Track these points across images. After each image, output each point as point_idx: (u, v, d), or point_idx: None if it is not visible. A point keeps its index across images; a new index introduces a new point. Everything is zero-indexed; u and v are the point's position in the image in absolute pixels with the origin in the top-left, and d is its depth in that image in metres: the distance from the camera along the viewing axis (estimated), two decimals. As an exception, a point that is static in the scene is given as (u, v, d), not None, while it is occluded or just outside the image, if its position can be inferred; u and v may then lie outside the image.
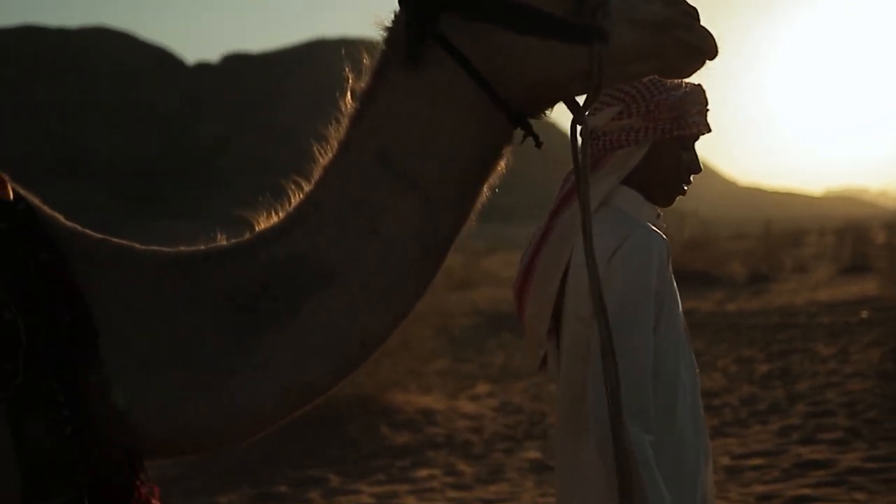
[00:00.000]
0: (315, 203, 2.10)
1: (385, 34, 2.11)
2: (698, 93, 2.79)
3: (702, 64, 2.10)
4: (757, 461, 7.67)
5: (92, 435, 1.93)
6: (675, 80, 2.69)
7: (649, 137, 2.74)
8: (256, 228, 2.15)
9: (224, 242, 2.15)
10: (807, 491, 6.84)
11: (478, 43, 2.03)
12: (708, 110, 2.83)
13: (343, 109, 2.14)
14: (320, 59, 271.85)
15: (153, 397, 2.01)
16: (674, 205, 2.89)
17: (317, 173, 2.14)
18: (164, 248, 2.16)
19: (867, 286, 19.52)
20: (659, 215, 2.85)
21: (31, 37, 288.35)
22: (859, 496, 6.68)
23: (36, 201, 2.09)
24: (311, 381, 2.07)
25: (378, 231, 2.06)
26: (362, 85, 2.12)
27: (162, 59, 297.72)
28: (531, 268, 2.83)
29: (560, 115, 2.21)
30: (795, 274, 26.16)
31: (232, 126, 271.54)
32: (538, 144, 2.16)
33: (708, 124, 2.83)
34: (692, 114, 2.76)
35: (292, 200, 2.15)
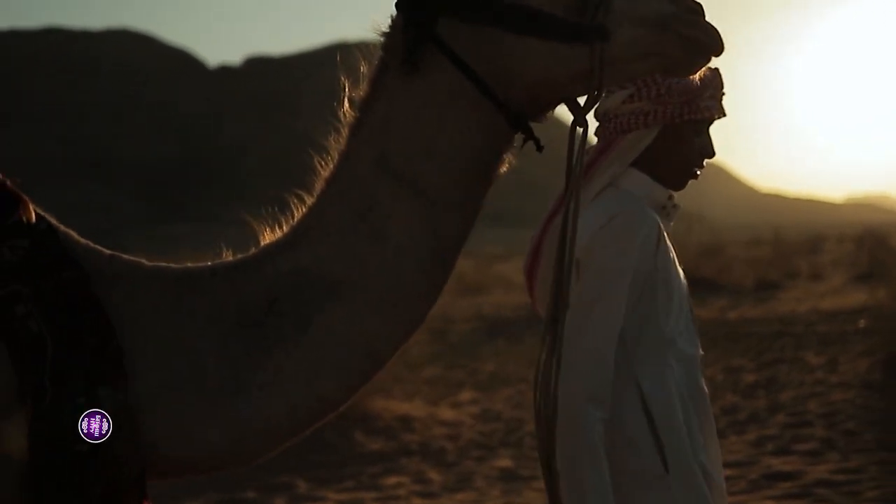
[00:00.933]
0: (318, 215, 2.09)
1: (382, 39, 2.10)
2: (712, 76, 2.76)
3: (707, 60, 2.08)
4: (726, 472, 7.61)
5: (106, 455, 1.90)
6: None
7: (659, 121, 2.73)
8: (261, 242, 2.15)
9: (230, 258, 2.15)
10: (769, 503, 6.80)
11: (476, 45, 2.01)
12: (723, 94, 2.80)
13: (342, 119, 2.13)
14: (341, 62, 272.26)
15: (163, 418, 1.99)
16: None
17: (318, 185, 2.13)
18: (172, 265, 2.15)
19: (877, 295, 19.39)
20: (671, 197, 2.84)
21: (54, 39, 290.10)
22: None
23: (52, 220, 2.09)
24: (322, 396, 2.05)
25: (384, 239, 2.04)
26: (360, 93, 2.11)
27: (184, 62, 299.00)
28: (539, 248, 2.83)
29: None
30: (807, 281, 25.97)
31: (253, 129, 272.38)
32: (539, 148, 2.14)
33: (722, 109, 2.80)
34: (704, 97, 2.74)
35: (296, 214, 2.14)
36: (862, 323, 15.34)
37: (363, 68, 2.13)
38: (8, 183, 2.05)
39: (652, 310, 2.69)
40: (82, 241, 2.11)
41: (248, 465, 2.13)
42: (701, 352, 2.84)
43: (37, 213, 2.05)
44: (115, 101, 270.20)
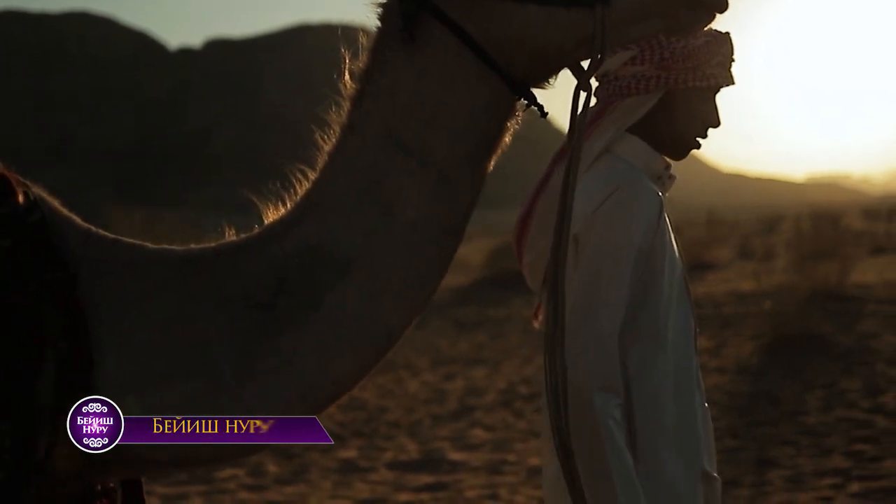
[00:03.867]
0: (323, 190, 2.02)
1: (380, 10, 2.05)
2: (721, 42, 2.59)
3: (710, 18, 2.02)
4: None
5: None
6: None
7: (661, 87, 2.57)
8: (264, 221, 2.07)
9: (234, 237, 2.07)
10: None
11: (474, 13, 1.97)
12: (733, 61, 2.62)
13: (343, 91, 2.07)
14: (303, 44, 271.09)
15: (171, 408, 1.91)
16: None
17: (321, 160, 2.06)
18: (175, 247, 2.08)
19: (793, 277, 19.35)
20: (668, 167, 2.66)
21: (12, 22, 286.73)
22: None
23: (55, 203, 2.01)
24: (336, 378, 1.98)
25: (393, 213, 1.98)
26: (360, 65, 2.06)
27: (144, 45, 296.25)
28: (530, 213, 2.69)
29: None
30: (745, 262, 25.98)
31: (216, 112, 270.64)
32: (543, 114, 2.11)
33: (731, 76, 2.63)
34: (711, 64, 2.57)
35: (298, 190, 2.06)
36: (768, 304, 15.28)
37: (362, 39, 2.08)
38: (0, 169, 1.97)
39: (651, 290, 2.54)
40: (83, 226, 2.03)
41: (258, 450, 2.04)
42: (697, 329, 2.70)
43: (31, 202, 1.96)
44: (76, 85, 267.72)
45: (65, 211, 2.03)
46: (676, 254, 2.64)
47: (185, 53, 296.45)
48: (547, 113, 2.11)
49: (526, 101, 2.06)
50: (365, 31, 2.09)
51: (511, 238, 2.78)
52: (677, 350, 2.59)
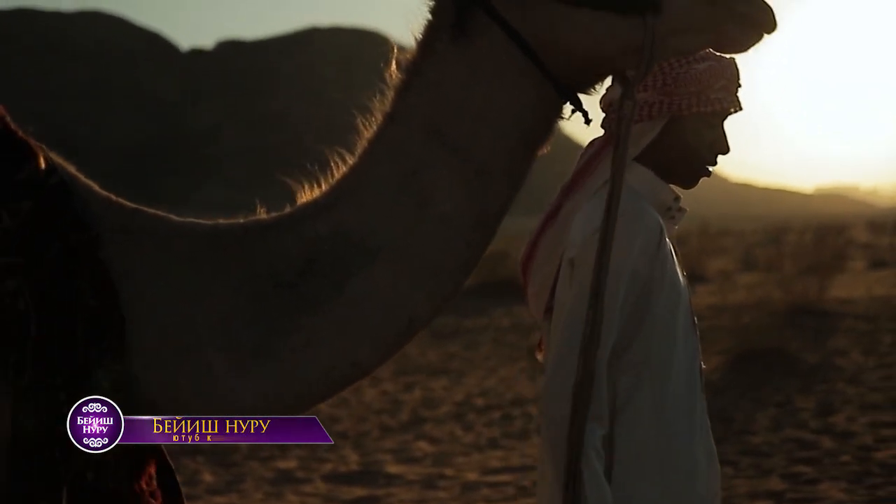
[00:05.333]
0: (360, 176, 2.03)
1: (431, 4, 2.05)
2: (726, 66, 2.53)
3: (759, 38, 2.00)
4: (505, 478, 7.40)
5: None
6: (701, 52, 2.47)
7: (665, 113, 2.52)
8: (298, 201, 2.07)
9: (264, 216, 2.07)
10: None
11: (527, 13, 1.97)
12: (740, 86, 2.57)
13: (388, 81, 2.08)
14: (312, 47, 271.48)
15: (190, 382, 1.93)
16: None
17: (361, 146, 2.07)
18: (202, 220, 2.07)
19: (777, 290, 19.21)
20: (677, 198, 2.60)
21: (26, 20, 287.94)
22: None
23: (71, 170, 1.99)
24: (355, 361, 2.00)
25: (427, 205, 2.00)
26: (408, 56, 2.06)
27: (156, 45, 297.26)
28: (536, 244, 2.65)
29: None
30: (742, 273, 25.83)
31: (224, 112, 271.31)
32: (587, 121, 2.12)
33: (738, 101, 2.57)
34: (715, 89, 2.51)
35: (335, 173, 2.05)
36: (747, 318, 15.14)
37: (412, 31, 2.08)
38: (20, 133, 1.96)
39: (645, 320, 2.47)
40: (103, 194, 2.03)
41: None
42: (703, 365, 2.62)
43: (51, 166, 1.95)
44: (87, 84, 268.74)
45: (83, 177, 2.02)
46: (683, 286, 2.56)
47: (197, 54, 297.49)
48: (591, 120, 2.12)
49: (571, 106, 2.06)
50: (415, 22, 2.08)
51: (518, 266, 2.74)
52: (678, 388, 2.50)
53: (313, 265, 1.98)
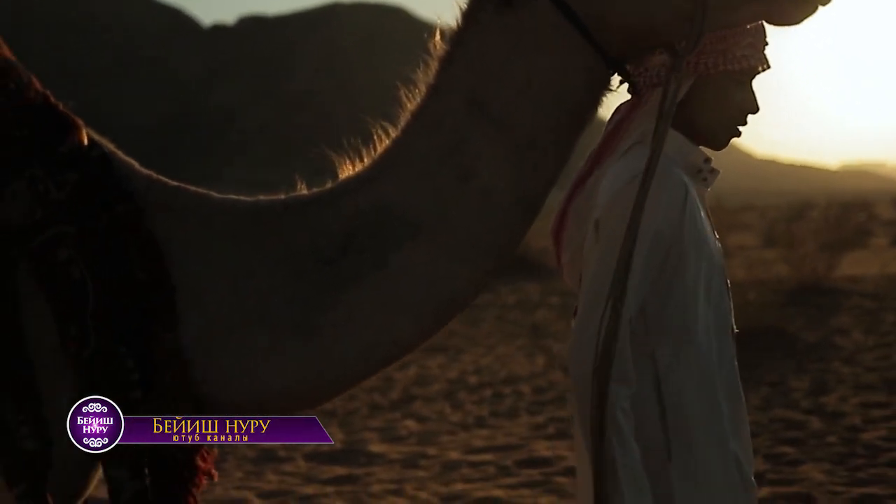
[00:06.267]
0: (403, 149, 2.00)
1: None
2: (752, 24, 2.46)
3: (813, 9, 1.94)
4: (487, 457, 7.35)
5: (159, 403, 1.84)
6: None
7: (691, 73, 2.43)
8: (339, 176, 2.04)
9: (304, 192, 2.05)
10: (498, 493, 6.52)
11: None
12: (766, 44, 2.50)
13: (432, 52, 2.04)
14: (334, 23, 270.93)
15: (232, 359, 1.91)
16: None
17: (404, 119, 2.03)
18: (242, 197, 2.05)
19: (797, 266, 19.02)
20: (707, 159, 2.55)
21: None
22: (546, 500, 6.36)
23: (110, 146, 1.98)
24: (396, 339, 1.98)
25: (470, 179, 1.96)
26: (452, 27, 2.03)
27: (177, 20, 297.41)
28: (566, 212, 2.60)
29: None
30: (758, 250, 25.65)
31: (246, 89, 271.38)
32: (635, 92, 2.07)
33: (765, 58, 2.50)
34: (742, 46, 2.44)
35: (377, 146, 2.02)
36: (752, 295, 15.00)
37: (457, 3, 2.03)
38: (61, 106, 1.95)
39: (677, 282, 2.44)
40: (144, 171, 2.02)
41: (315, 407, 2.04)
42: (736, 329, 2.62)
43: (91, 140, 1.95)
44: (108, 61, 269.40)
45: (121, 154, 2.00)
46: (714, 249, 2.52)
47: (218, 30, 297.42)
48: (640, 92, 2.06)
49: (620, 78, 2.01)
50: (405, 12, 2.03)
51: (549, 235, 2.70)
52: (706, 352, 2.48)
53: (353, 240, 1.95)
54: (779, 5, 1.96)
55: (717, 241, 2.56)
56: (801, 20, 1.98)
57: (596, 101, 2.04)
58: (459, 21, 2.02)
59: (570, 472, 6.85)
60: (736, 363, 2.57)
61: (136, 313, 1.84)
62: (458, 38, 2.01)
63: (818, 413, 8.01)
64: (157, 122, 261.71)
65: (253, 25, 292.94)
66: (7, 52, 1.98)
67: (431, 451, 7.59)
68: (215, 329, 1.92)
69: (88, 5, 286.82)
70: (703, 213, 2.51)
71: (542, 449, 7.46)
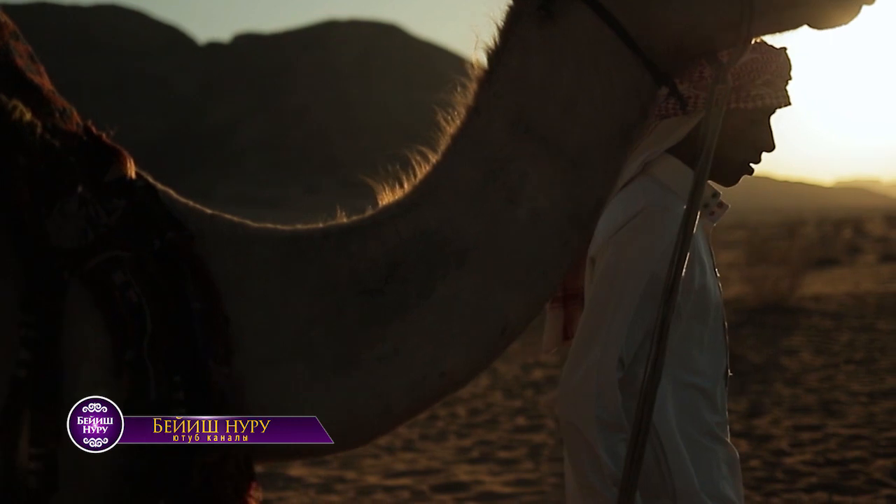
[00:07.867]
0: (445, 174, 1.93)
1: None
2: (771, 59, 2.37)
3: (857, 11, 1.88)
4: (404, 481, 7.26)
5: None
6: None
7: (700, 108, 2.32)
8: (379, 203, 1.97)
9: (344, 220, 1.97)
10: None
11: None
12: (789, 79, 2.40)
13: (469, 73, 1.97)
14: (330, 40, 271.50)
15: (267, 396, 1.82)
16: None
17: (444, 142, 1.96)
18: (280, 226, 1.99)
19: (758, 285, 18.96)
20: (715, 194, 2.45)
21: (44, 14, 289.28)
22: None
23: (148, 177, 1.91)
24: (445, 372, 1.88)
25: (517, 201, 1.88)
26: (490, 46, 1.95)
27: (174, 38, 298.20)
28: None
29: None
30: (748, 267, 25.58)
31: (243, 106, 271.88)
32: (683, 106, 2.03)
33: (785, 95, 2.40)
34: (757, 84, 2.36)
35: (418, 172, 1.94)
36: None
37: (492, 18, 1.95)
38: (104, 136, 1.90)
39: (674, 324, 2.31)
40: (181, 199, 1.95)
41: (360, 446, 1.93)
42: (729, 373, 2.53)
43: (137, 171, 1.90)
44: (105, 77, 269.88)
45: (160, 185, 1.94)
46: (714, 293, 2.42)
47: (214, 47, 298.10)
48: (688, 106, 2.00)
49: (668, 90, 1.96)
50: (496, 8, 1.95)
51: None
52: (698, 399, 2.41)
53: (397, 269, 1.87)
54: (822, 9, 1.88)
55: (716, 279, 2.45)
56: (847, 22, 1.91)
57: (643, 115, 1.96)
58: (496, 39, 1.95)
59: (484, 497, 6.77)
60: (726, 417, 2.50)
61: (193, 344, 1.75)
62: (497, 56, 1.94)
63: (748, 436, 7.92)
64: (152, 139, 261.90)
65: (248, 42, 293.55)
66: (48, 83, 1.94)
67: (350, 475, 7.50)
68: (252, 361, 1.83)
69: (85, 23, 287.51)
70: (704, 250, 2.41)
71: (462, 473, 7.37)
